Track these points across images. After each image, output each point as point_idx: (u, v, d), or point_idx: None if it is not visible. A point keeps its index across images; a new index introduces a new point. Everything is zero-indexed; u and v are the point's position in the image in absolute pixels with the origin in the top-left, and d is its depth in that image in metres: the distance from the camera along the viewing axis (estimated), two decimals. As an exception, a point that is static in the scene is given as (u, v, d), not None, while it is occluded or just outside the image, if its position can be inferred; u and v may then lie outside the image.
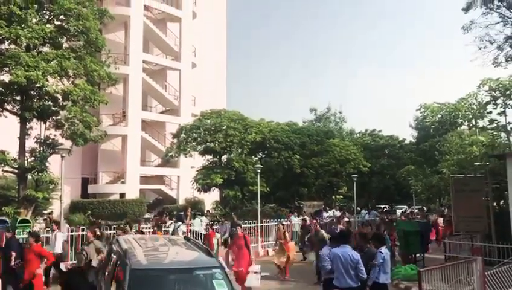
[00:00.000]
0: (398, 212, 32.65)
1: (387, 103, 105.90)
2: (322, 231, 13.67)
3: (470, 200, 14.77)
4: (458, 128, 23.54)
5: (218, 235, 15.53)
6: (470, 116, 17.91)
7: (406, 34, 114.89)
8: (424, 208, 36.35)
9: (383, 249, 7.96)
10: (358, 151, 39.74)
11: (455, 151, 19.47)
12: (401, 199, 45.67)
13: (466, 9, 19.38)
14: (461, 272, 9.17)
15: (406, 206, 40.41)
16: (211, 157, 32.48)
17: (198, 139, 31.37)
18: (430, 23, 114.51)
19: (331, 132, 44.21)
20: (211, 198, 34.01)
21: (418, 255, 15.11)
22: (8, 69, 16.88)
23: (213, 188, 31.17)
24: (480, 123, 18.07)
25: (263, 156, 36.59)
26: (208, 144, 31.25)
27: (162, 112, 37.73)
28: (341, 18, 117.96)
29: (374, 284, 7.72)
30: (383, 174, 45.62)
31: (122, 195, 32.83)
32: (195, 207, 30.71)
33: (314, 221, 17.17)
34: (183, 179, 35.11)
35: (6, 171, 19.47)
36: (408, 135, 56.96)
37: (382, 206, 40.02)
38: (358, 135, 53.65)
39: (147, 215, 30.15)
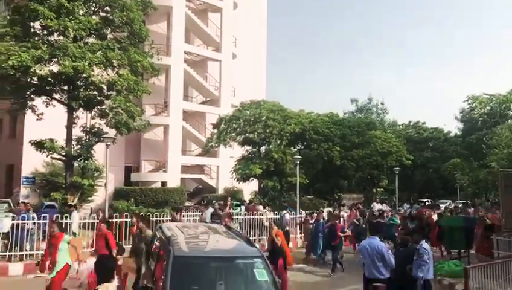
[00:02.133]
0: (442, 207, 31.68)
1: (432, 94, 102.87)
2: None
3: (521, 196, 14.07)
4: (509, 120, 22.51)
5: None
6: (523, 108, 17.03)
7: (454, 24, 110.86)
8: (469, 203, 35.16)
9: (425, 244, 7.73)
10: (401, 144, 38.85)
11: (505, 145, 18.66)
12: (445, 193, 44.38)
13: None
14: (510, 270, 8.78)
15: (449, 201, 39.21)
16: (250, 148, 32.58)
17: (238, 129, 31.53)
18: (478, 14, 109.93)
19: (373, 123, 43.33)
20: (249, 188, 34.19)
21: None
22: (56, 59, 17.44)
23: (252, 178, 31.31)
24: (534, 115, 17.17)
25: (302, 147, 36.40)
26: (247, 134, 31.36)
27: (203, 103, 38.09)
28: (382, 6, 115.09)
29: (417, 280, 7.48)
30: (427, 168, 44.48)
31: (163, 183, 33.48)
32: (234, 197, 30.93)
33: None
34: (222, 169, 35.44)
35: (54, 159, 20.23)
36: (453, 127, 55.15)
37: (424, 200, 38.98)
38: (401, 126, 52.43)
39: (187, 204, 30.65)
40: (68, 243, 8.51)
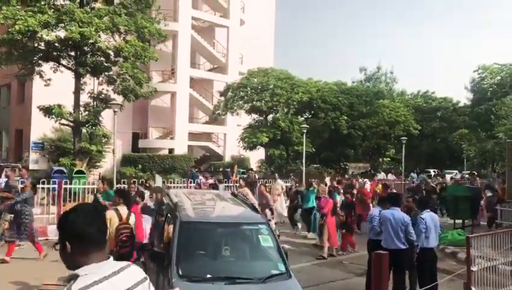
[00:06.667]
0: (448, 177, 31.75)
1: (443, 63, 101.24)
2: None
3: (527, 167, 14.09)
4: (519, 91, 22.24)
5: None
6: (534, 79, 16.77)
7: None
8: (475, 173, 35.18)
9: (425, 214, 7.82)
10: (409, 113, 38.68)
11: (514, 116, 18.47)
12: (452, 164, 44.37)
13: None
14: (513, 240, 8.85)
15: (456, 171, 39.26)
16: (257, 116, 32.56)
17: (245, 97, 31.43)
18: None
19: (381, 92, 43.10)
20: (256, 156, 34.35)
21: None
22: (63, 25, 17.31)
23: (258, 146, 31.43)
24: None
25: (309, 116, 36.33)
26: (254, 102, 31.29)
27: (210, 70, 37.81)
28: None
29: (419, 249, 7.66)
30: (434, 138, 44.38)
31: (171, 150, 33.69)
32: (241, 165, 31.17)
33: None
34: (229, 137, 35.52)
35: (63, 124, 20.36)
36: (463, 97, 54.65)
37: (431, 171, 39.05)
38: (409, 96, 52.01)
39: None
40: None
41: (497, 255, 8.44)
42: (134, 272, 2.23)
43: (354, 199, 13.11)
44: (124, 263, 2.22)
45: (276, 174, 19.44)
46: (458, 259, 10.96)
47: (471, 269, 7.30)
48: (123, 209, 6.84)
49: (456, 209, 14.68)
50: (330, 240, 11.23)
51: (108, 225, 6.59)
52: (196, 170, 24.06)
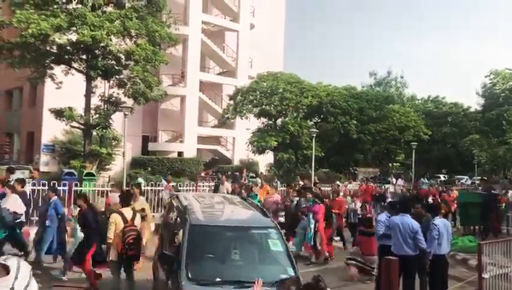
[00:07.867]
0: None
1: (453, 68, 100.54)
2: None
3: (539, 174, 13.91)
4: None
5: None
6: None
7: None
8: (486, 179, 34.85)
9: (437, 220, 7.75)
10: (419, 118, 38.51)
11: (526, 122, 18.25)
12: (463, 169, 44.01)
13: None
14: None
15: (466, 177, 38.90)
16: (266, 120, 32.57)
17: (254, 101, 31.43)
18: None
19: (391, 97, 42.90)
20: (265, 160, 34.29)
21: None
22: (75, 28, 17.46)
23: (267, 150, 31.40)
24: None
25: (319, 120, 36.27)
26: (263, 106, 31.28)
27: (219, 74, 37.91)
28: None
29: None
30: (444, 143, 44.09)
31: (180, 153, 33.80)
32: (250, 168, 31.16)
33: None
34: (238, 141, 35.53)
35: (73, 127, 20.52)
36: (474, 102, 54.25)
37: (441, 176, 38.78)
38: (420, 101, 51.76)
39: (203, 174, 30.99)
40: None
41: (509, 262, 8.33)
42: (26, 266, 2.32)
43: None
44: (14, 261, 2.27)
45: (224, 177, 18.97)
46: (469, 266, 10.82)
47: (483, 276, 7.21)
48: (127, 211, 6.79)
49: (467, 215, 14.57)
50: (323, 246, 11.08)
51: (114, 228, 6.57)
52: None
